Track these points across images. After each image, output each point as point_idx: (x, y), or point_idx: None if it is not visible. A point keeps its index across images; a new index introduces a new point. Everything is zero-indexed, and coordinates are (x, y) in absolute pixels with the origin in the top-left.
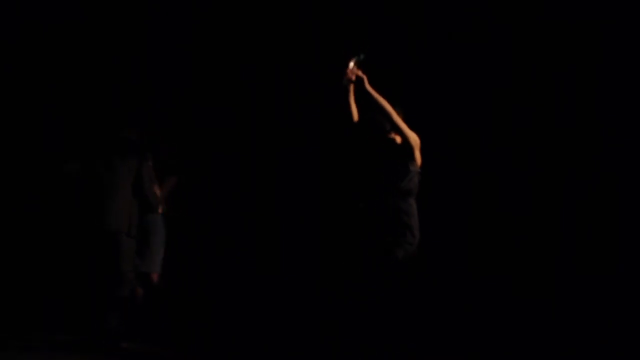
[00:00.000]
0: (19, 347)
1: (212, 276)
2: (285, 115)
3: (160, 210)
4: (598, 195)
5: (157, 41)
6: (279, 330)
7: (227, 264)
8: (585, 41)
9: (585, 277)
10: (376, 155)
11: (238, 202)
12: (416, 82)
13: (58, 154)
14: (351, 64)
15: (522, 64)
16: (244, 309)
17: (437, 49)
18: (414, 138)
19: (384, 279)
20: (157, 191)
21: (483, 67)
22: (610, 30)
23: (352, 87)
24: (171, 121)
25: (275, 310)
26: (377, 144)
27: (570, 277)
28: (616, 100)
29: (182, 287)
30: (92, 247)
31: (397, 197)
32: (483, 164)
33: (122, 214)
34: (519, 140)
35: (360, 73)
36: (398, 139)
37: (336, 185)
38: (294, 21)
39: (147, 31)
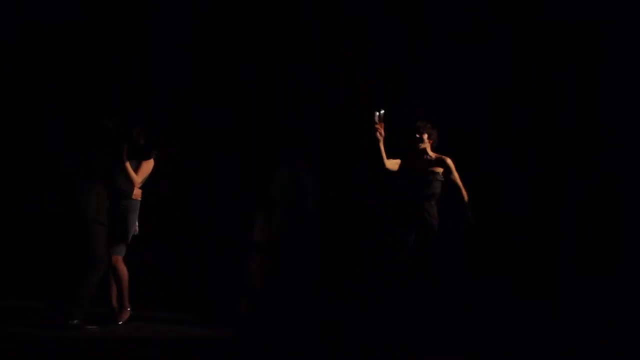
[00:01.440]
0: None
1: (212, 276)
2: (285, 115)
3: (138, 197)
4: (598, 195)
5: (157, 41)
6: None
7: (228, 264)
8: (585, 41)
9: (585, 277)
10: (407, 169)
11: (238, 201)
12: (416, 82)
13: (58, 153)
14: (375, 119)
15: (522, 64)
16: (243, 308)
17: (437, 48)
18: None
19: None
20: (133, 178)
21: (483, 67)
22: (610, 30)
23: (382, 140)
24: (171, 121)
25: (275, 310)
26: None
27: (570, 277)
28: (616, 100)
29: (182, 287)
30: (66, 232)
31: (424, 200)
32: (483, 164)
33: (95, 200)
34: (519, 140)
35: (382, 130)
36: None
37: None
38: (294, 21)
39: (147, 31)
